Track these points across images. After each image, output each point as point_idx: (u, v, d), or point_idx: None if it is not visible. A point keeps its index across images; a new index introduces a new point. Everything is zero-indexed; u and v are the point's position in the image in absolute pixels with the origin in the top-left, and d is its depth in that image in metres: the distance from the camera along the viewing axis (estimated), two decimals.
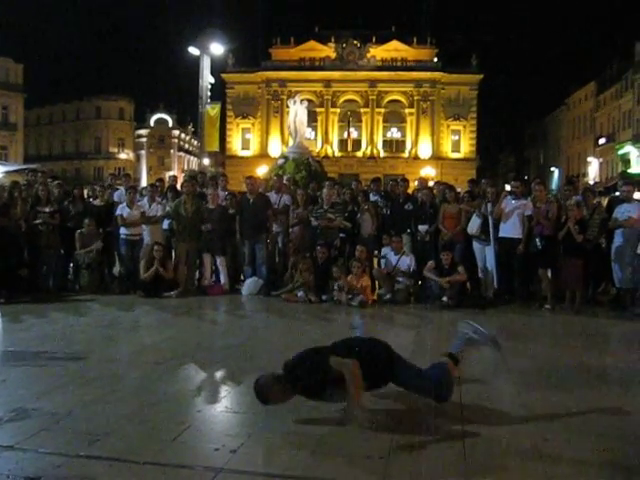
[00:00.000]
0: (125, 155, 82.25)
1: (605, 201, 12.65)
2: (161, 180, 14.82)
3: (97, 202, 13.08)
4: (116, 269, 13.03)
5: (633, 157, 58.10)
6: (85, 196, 13.82)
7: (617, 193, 12.53)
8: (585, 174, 64.73)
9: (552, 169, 74.77)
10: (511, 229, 11.13)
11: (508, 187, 14.05)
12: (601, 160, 65.57)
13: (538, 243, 10.88)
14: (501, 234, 11.20)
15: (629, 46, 60.01)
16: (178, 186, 14.04)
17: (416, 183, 14.85)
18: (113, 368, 6.71)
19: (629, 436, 4.85)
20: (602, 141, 65.89)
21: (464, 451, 4.48)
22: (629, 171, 50.80)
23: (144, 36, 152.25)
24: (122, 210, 12.32)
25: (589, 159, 66.89)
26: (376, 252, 12.51)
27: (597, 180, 58.62)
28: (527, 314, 10.54)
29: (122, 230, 12.35)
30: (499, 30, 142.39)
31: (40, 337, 8.17)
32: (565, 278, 10.96)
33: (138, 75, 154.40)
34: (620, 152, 61.37)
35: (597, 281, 11.93)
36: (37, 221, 11.92)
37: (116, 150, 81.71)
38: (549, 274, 11.06)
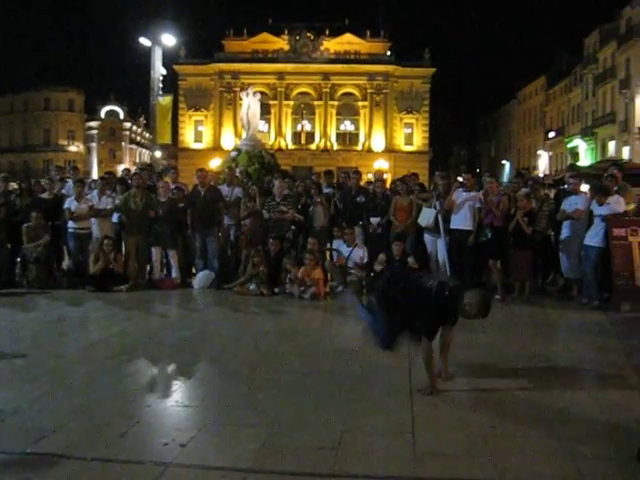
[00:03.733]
0: (75, 147, 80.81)
1: (553, 193, 12.85)
2: (111, 173, 14.59)
3: (45, 195, 12.85)
4: (65, 263, 12.81)
5: (582, 150, 59.24)
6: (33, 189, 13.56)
7: (565, 186, 12.72)
8: (535, 167, 65.75)
9: (503, 162, 75.79)
10: (462, 221, 11.23)
11: (460, 179, 14.17)
12: (551, 153, 66.69)
13: (488, 233, 11.01)
14: (452, 226, 11.29)
15: (578, 41, 61.17)
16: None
17: (370, 176, 14.90)
18: (61, 364, 6.63)
19: (575, 423, 4.96)
20: (552, 135, 67.04)
21: (414, 439, 4.53)
22: (578, 164, 51.78)
23: (94, 25, 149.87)
24: (70, 203, 12.10)
25: (539, 152, 67.96)
26: (329, 244, 12.53)
27: (547, 173, 59.59)
28: None
29: (70, 224, 12.13)
30: (451, 24, 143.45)
31: None
32: (514, 269, 11.12)
33: (88, 66, 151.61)
34: (569, 145, 62.53)
35: (546, 272, 12.14)
36: None
37: (66, 142, 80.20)
38: (499, 265, 11.21)
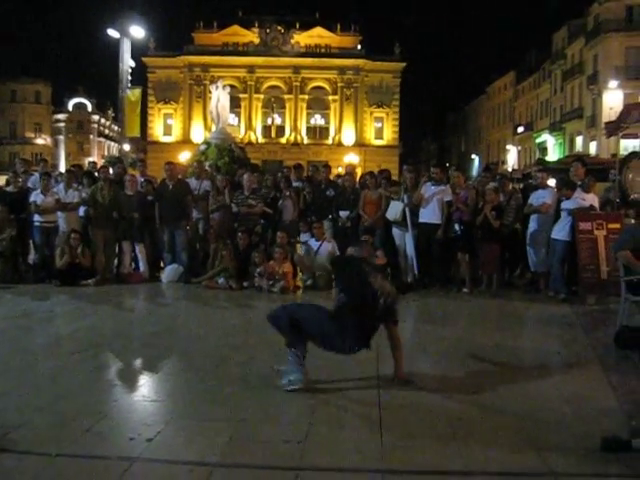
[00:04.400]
0: (42, 140, 79.75)
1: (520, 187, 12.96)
2: (78, 166, 14.42)
3: (10, 188, 12.67)
4: (31, 257, 12.65)
5: (550, 145, 59.88)
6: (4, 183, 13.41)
7: (531, 180, 12.86)
8: (504, 161, 66.35)
9: (473, 156, 76.35)
10: (430, 215, 11.27)
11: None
12: (520, 148, 67.36)
13: (457, 228, 11.08)
14: (420, 220, 11.34)
15: (546, 36, 61.76)
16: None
17: (339, 169, 14.84)
18: (26, 359, 6.54)
19: (540, 414, 5.00)
20: (520, 129, 67.70)
21: (380, 432, 4.54)
22: (546, 158, 52.38)
23: (61, 16, 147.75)
24: (36, 197, 11.96)
25: (508, 147, 68.61)
26: (298, 238, 12.53)
27: (516, 167, 60.17)
28: (446, 298, 10.72)
29: (36, 217, 11.98)
30: (422, 19, 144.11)
31: None
32: (483, 262, 11.21)
33: (55, 57, 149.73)
34: (538, 140, 63.19)
35: (513, 265, 12.25)
36: None
37: (33, 135, 79.11)
38: (467, 258, 11.28)
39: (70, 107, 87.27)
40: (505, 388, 5.68)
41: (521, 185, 13.23)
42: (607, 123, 16.03)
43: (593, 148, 47.86)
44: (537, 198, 10.95)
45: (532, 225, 11.03)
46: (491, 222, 10.86)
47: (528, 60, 67.22)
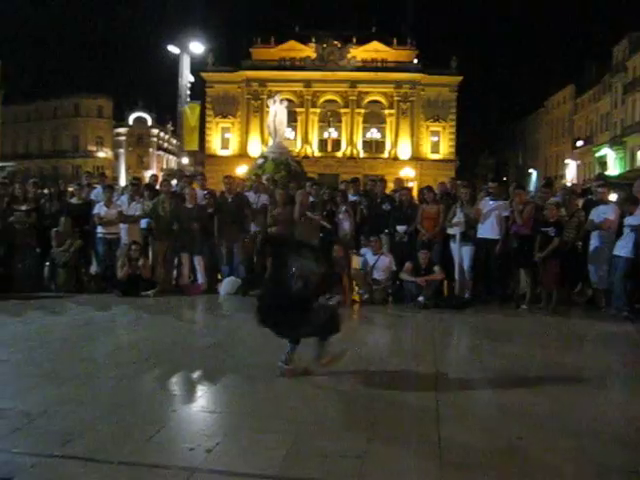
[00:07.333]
0: (104, 153, 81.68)
1: (581, 203, 12.71)
2: (137, 179, 14.72)
3: (75, 200, 12.98)
4: (93, 268, 12.92)
5: (610, 160, 58.68)
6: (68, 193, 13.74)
7: (591, 195, 12.57)
8: (563, 176, 65.27)
9: (530, 171, 75.28)
10: (489, 230, 11.15)
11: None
12: (579, 162, 66.14)
13: (514, 243, 10.94)
14: (479, 235, 11.22)
15: (607, 49, 60.74)
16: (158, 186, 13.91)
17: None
18: (88, 368, 6.66)
19: (603, 435, 4.89)
20: (580, 143, 66.52)
21: (439, 451, 4.49)
22: (606, 173, 51.36)
23: (123, 33, 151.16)
24: (99, 209, 12.24)
25: (567, 161, 67.44)
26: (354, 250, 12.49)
27: (574, 182, 59.16)
28: (504, 314, 10.57)
29: (99, 229, 12.26)
30: (479, 32, 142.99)
31: (15, 336, 8.09)
32: (542, 279, 11.02)
33: (117, 73, 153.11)
34: (597, 154, 61.99)
35: (573, 282, 12.00)
36: (12, 219, 11.81)
37: (94, 148, 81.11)
38: (527, 274, 11.11)
39: (130, 121, 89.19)
40: (566, 408, 5.56)
41: (581, 201, 12.92)
42: None
43: None
44: (599, 214, 10.71)
45: (594, 241, 10.78)
46: (552, 241, 10.65)
47: (587, 73, 66.18)
